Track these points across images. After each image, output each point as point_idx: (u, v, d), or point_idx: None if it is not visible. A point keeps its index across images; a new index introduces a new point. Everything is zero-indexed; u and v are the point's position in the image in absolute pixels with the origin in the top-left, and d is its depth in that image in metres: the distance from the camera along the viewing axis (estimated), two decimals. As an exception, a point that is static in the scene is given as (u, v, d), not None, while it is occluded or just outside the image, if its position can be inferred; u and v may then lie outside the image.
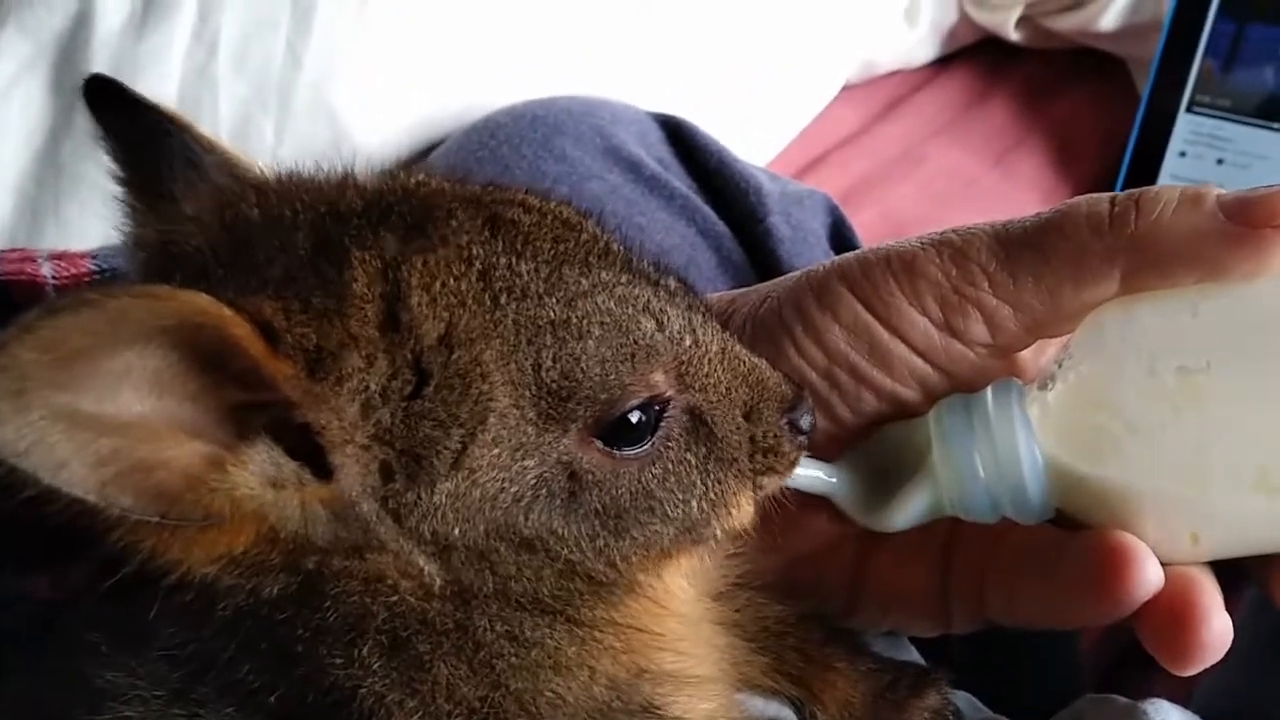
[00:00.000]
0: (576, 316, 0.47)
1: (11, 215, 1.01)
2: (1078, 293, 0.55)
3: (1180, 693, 0.69)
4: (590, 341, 0.47)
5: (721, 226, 0.94)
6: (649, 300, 0.50)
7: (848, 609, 0.65)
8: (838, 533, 0.63)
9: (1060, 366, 0.55)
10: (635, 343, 0.48)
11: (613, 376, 0.47)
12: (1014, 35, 1.55)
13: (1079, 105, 1.56)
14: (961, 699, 0.67)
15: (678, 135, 1.03)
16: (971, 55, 1.64)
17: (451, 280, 0.46)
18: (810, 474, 0.58)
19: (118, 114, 0.54)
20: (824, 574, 0.65)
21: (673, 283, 0.53)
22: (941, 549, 0.63)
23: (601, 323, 0.48)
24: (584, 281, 0.48)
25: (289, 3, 1.03)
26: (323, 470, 0.45)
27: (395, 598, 0.46)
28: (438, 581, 0.47)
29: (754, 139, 1.31)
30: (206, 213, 0.49)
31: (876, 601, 0.65)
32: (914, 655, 0.68)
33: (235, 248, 0.47)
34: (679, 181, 0.97)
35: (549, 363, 0.46)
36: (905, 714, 0.61)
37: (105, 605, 0.48)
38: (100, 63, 0.99)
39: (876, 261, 0.59)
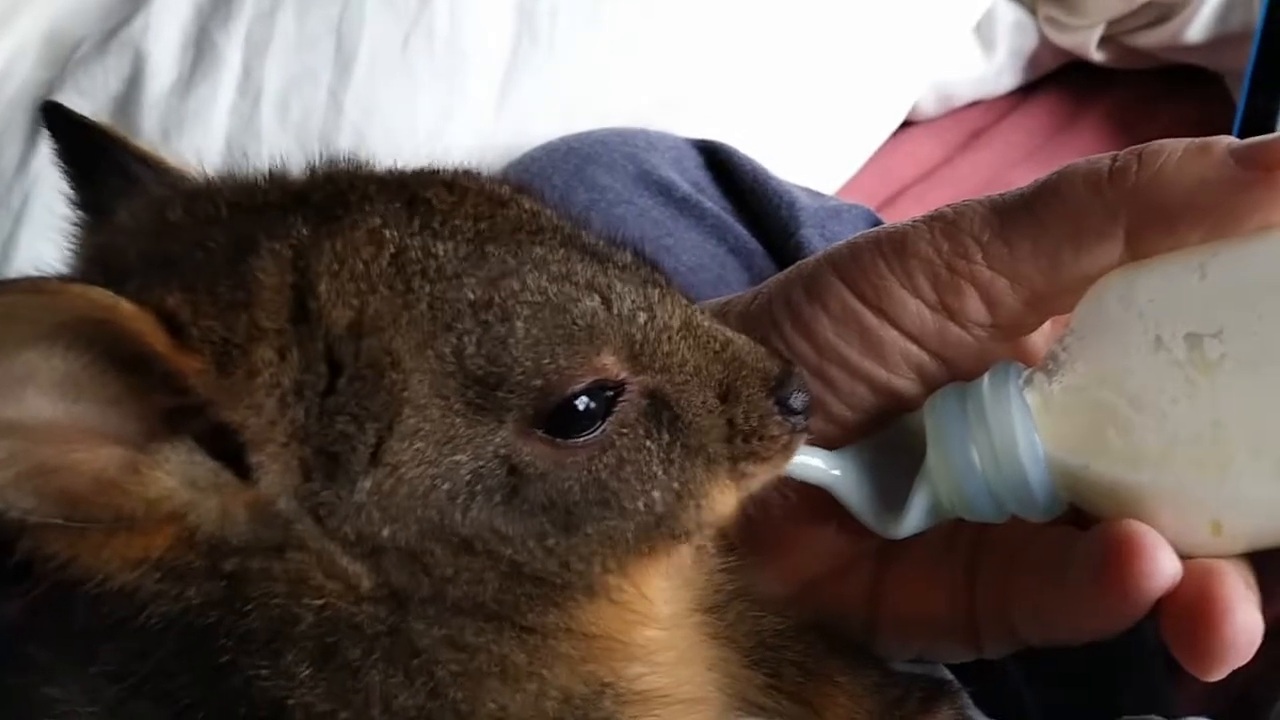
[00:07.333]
0: (500, 296, 0.44)
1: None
2: (1078, 257, 0.50)
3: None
4: (518, 323, 0.44)
5: (754, 244, 0.91)
6: (593, 276, 0.46)
7: (868, 636, 0.60)
8: (850, 549, 0.59)
9: (1062, 344, 0.50)
10: (574, 323, 0.45)
11: (548, 361, 0.44)
12: (1097, 56, 1.48)
13: (1174, 125, 1.47)
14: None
15: (715, 158, 1.01)
16: (1057, 81, 1.58)
17: (360, 264, 0.43)
18: (808, 462, 0.53)
19: (69, 136, 0.54)
20: (839, 598, 0.60)
21: (627, 257, 0.49)
22: (964, 565, 0.58)
23: (531, 302, 0.44)
24: (510, 260, 0.45)
25: (331, 54, 1.05)
26: (244, 470, 0.43)
27: (321, 601, 0.44)
28: (365, 584, 0.44)
29: (817, 167, 1.28)
30: (139, 222, 0.49)
31: (898, 627, 0.59)
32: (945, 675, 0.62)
33: (159, 250, 0.46)
34: (712, 203, 0.95)
35: (472, 348, 0.43)
36: None
37: (48, 620, 0.47)
38: (151, 120, 1.02)
39: (866, 245, 0.55)
